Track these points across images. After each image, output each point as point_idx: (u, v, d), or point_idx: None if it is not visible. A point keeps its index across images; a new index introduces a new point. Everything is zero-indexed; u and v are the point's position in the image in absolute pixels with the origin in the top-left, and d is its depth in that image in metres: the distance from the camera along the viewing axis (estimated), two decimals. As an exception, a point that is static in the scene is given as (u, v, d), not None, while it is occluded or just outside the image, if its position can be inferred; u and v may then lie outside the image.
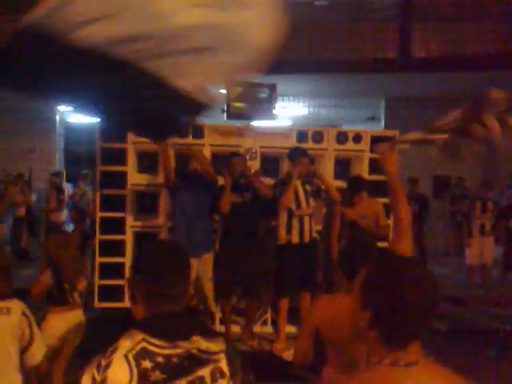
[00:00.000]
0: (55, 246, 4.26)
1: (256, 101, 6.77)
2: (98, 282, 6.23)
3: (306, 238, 5.96)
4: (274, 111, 6.92)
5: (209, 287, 5.89)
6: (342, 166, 6.68)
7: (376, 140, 6.56)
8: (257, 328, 6.43)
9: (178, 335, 1.68)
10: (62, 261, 4.17)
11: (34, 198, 12.00)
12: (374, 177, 6.53)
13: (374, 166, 6.54)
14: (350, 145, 6.53)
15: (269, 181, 6.22)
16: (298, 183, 5.96)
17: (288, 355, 5.60)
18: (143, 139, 6.20)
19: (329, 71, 10.51)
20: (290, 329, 6.09)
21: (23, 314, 3.06)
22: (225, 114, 6.83)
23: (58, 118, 14.19)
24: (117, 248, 6.27)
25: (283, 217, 5.92)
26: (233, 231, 5.93)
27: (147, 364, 1.61)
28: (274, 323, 6.34)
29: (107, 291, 6.25)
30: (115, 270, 6.22)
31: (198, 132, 6.35)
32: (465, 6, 10.53)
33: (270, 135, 6.56)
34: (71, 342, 4.35)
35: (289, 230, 5.94)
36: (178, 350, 1.66)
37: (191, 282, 1.83)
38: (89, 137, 14.02)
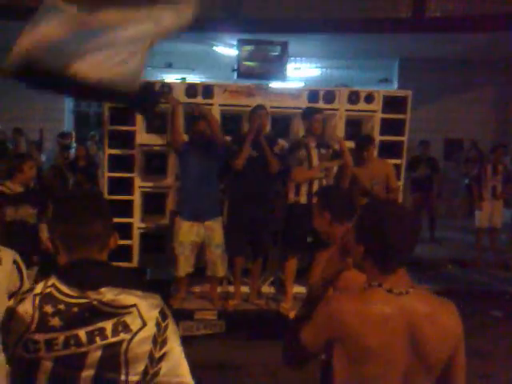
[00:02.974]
0: None
1: (267, 60, 6.62)
2: (106, 241, 6.21)
3: (315, 199, 5.92)
4: (286, 71, 6.77)
5: (216, 253, 5.85)
6: (354, 127, 6.58)
7: (388, 100, 6.48)
8: (265, 288, 6.47)
9: (86, 285, 1.70)
10: None
11: (43, 158, 11.98)
12: (386, 137, 6.50)
13: (386, 127, 6.48)
14: (361, 105, 6.42)
15: (281, 142, 6.14)
16: (313, 146, 5.90)
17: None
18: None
19: (341, 31, 10.31)
20: (298, 289, 6.10)
21: (14, 261, 3.02)
22: (235, 74, 6.70)
23: (66, 78, 14.07)
24: (125, 208, 6.25)
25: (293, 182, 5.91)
26: (244, 185, 5.89)
27: (49, 309, 1.67)
28: (282, 284, 6.35)
29: (115, 251, 6.23)
30: (123, 231, 6.19)
31: (208, 91, 6.24)
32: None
33: (280, 95, 6.45)
34: None
35: (297, 192, 5.90)
36: (82, 300, 1.67)
37: (111, 226, 1.87)
38: (98, 97, 13.99)
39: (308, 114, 5.94)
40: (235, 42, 6.91)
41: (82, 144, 11.18)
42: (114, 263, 6.13)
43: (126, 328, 1.67)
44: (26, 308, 1.70)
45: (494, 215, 8.94)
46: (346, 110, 6.41)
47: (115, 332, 1.66)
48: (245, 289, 6.29)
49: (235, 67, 6.66)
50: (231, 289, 6.28)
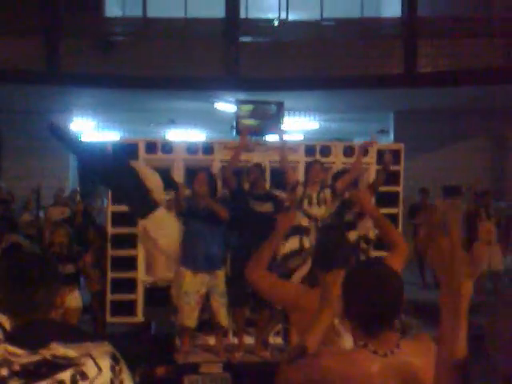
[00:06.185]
0: None
1: (264, 118, 6.88)
2: (109, 297, 6.33)
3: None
4: (282, 127, 7.01)
5: (221, 302, 5.93)
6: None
7: (382, 153, 6.68)
8: (270, 339, 6.47)
9: (36, 344, 1.76)
10: None
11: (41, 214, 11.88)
12: (382, 188, 6.63)
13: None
14: (357, 158, 6.62)
15: (279, 193, 6.34)
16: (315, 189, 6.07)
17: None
18: (154, 156, 6.43)
19: (336, 87, 10.66)
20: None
21: None
22: (234, 131, 6.96)
23: (70, 136, 14.32)
24: (128, 263, 6.39)
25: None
26: (246, 236, 6.02)
27: (5, 372, 1.71)
28: (287, 334, 6.37)
29: (119, 306, 6.36)
30: (127, 285, 6.35)
31: (208, 148, 6.50)
32: (470, 21, 10.67)
33: (278, 150, 6.64)
34: None
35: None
36: (35, 358, 1.73)
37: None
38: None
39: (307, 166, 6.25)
40: (234, 99, 7.21)
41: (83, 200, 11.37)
42: (119, 318, 6.19)
43: (84, 376, 1.74)
44: None
45: (492, 259, 8.93)
46: (343, 163, 6.61)
47: (74, 382, 1.73)
48: (251, 340, 6.30)
49: (234, 125, 6.91)
50: (237, 341, 6.30)
